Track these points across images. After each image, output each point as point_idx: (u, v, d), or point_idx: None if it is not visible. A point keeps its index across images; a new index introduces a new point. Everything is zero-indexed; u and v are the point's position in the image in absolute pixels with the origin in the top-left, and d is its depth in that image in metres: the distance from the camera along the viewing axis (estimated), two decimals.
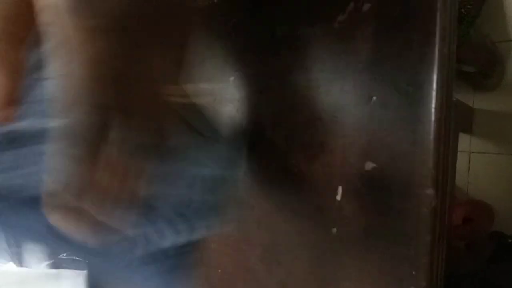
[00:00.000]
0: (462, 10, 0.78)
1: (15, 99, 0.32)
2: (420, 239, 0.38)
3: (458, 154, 1.04)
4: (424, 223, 0.38)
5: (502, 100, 1.08)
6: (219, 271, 0.53)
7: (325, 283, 0.44)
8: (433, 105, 0.38)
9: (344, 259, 0.43)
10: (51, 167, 0.25)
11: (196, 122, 0.38)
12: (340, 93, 0.43)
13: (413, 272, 0.38)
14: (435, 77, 0.38)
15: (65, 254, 0.69)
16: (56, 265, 0.69)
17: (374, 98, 0.41)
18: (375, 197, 0.41)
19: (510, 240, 1.06)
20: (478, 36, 1.08)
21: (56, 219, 0.27)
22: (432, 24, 0.38)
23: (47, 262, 0.69)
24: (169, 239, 0.40)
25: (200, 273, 0.55)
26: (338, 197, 0.43)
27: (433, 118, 0.38)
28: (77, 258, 0.69)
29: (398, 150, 0.40)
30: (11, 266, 0.72)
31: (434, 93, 0.38)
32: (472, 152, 1.12)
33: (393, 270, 0.40)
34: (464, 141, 1.11)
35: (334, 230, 0.44)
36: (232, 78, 0.53)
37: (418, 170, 0.38)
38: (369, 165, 0.41)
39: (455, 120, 0.41)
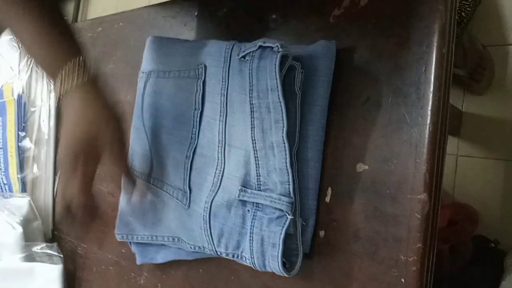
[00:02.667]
0: (463, 13, 0.76)
1: None
2: (411, 246, 0.36)
3: (446, 156, 1.04)
4: (416, 229, 0.36)
5: (491, 105, 1.08)
6: (200, 270, 0.51)
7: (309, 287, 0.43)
8: (430, 107, 0.36)
9: (330, 263, 0.41)
10: None
11: None
12: (334, 92, 0.42)
13: (402, 280, 0.37)
14: (432, 77, 0.36)
15: (38, 248, 0.66)
16: (30, 258, 0.66)
17: (368, 97, 0.39)
18: (365, 200, 0.39)
19: (492, 245, 1.06)
20: (469, 40, 1.07)
21: None
22: (432, 21, 0.36)
23: (21, 255, 0.66)
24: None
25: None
26: (327, 199, 0.42)
27: (429, 121, 0.36)
28: (52, 252, 0.66)
29: (391, 153, 0.38)
30: None
31: (431, 95, 0.36)
32: (459, 155, 1.12)
33: (381, 276, 0.38)
34: (452, 144, 1.11)
35: (322, 233, 0.42)
36: None
37: (411, 174, 0.37)
38: (361, 167, 0.40)
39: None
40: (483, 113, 1.09)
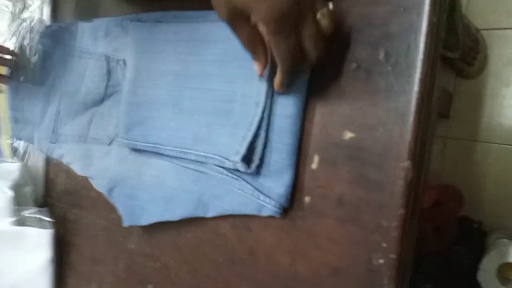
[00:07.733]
0: None
1: None
2: (393, 211, 0.37)
3: (435, 138, 1.05)
4: (399, 196, 0.37)
5: (482, 88, 1.09)
6: (188, 235, 0.52)
7: (294, 251, 0.44)
8: (418, 76, 0.36)
9: (315, 228, 0.42)
10: None
11: None
12: (323, 58, 0.42)
13: (384, 244, 0.38)
14: (422, 46, 0.36)
15: (28, 212, 0.66)
16: (20, 222, 0.67)
17: (358, 65, 0.40)
18: (351, 167, 0.40)
19: (475, 225, 1.09)
20: (462, 23, 1.07)
21: None
22: None
23: (11, 219, 0.66)
24: None
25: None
26: (314, 166, 0.42)
27: (416, 89, 0.37)
28: (43, 217, 0.66)
29: (378, 121, 0.39)
30: None
31: (419, 63, 0.36)
32: (449, 138, 1.13)
33: (363, 241, 0.39)
34: (442, 126, 1.12)
35: (307, 198, 0.43)
36: None
37: (396, 141, 0.37)
38: (347, 135, 0.40)
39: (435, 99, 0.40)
40: (474, 96, 1.10)
